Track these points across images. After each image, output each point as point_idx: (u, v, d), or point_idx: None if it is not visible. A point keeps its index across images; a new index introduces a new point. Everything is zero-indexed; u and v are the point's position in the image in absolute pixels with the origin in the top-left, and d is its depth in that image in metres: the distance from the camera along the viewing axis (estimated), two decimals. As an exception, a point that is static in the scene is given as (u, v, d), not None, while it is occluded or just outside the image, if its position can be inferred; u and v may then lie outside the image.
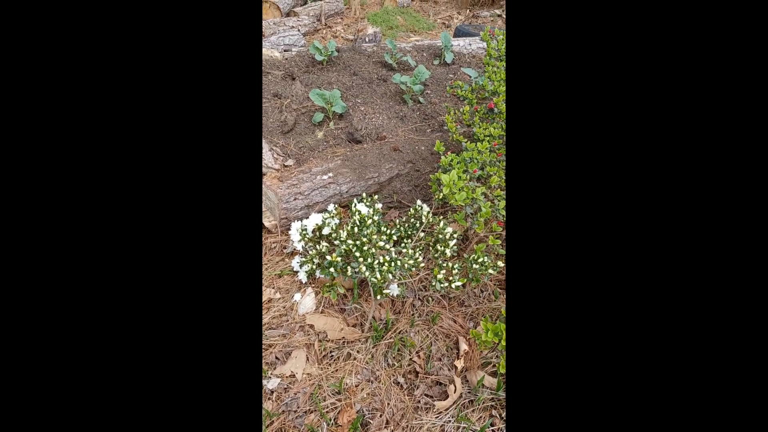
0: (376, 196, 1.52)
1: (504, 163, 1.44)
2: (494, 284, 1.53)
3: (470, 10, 5.50)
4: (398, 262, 1.09)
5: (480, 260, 1.18)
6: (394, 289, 1.38)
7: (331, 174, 1.78)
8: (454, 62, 2.81)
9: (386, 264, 1.07)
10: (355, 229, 1.12)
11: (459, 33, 3.87)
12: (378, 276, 1.09)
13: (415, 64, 2.69)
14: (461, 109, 1.64)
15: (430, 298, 1.45)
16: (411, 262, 1.11)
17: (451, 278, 1.17)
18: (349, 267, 1.12)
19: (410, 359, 1.27)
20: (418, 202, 1.45)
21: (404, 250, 1.16)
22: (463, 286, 1.48)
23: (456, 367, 1.25)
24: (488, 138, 1.56)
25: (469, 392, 1.20)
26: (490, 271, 1.18)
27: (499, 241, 1.20)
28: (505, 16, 5.16)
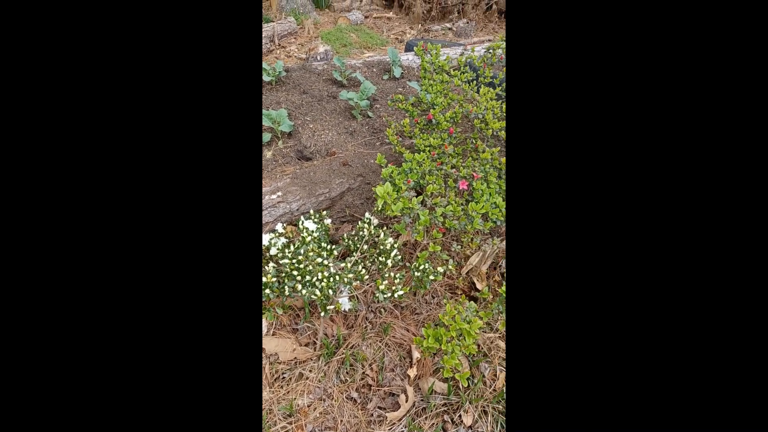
0: (325, 212, 1.53)
1: (442, 172, 1.48)
2: (444, 289, 1.55)
3: (422, 25, 5.68)
4: (338, 277, 1.10)
5: (422, 267, 1.20)
6: (345, 304, 1.37)
7: (280, 193, 1.78)
8: (402, 76, 2.88)
9: (325, 280, 1.08)
10: (293, 248, 1.12)
11: (410, 48, 3.98)
12: (318, 293, 1.09)
13: (364, 80, 2.74)
14: (402, 122, 1.69)
15: (382, 309, 1.46)
16: (351, 276, 1.12)
17: (394, 288, 1.18)
18: (285, 286, 1.12)
19: (363, 373, 1.27)
20: (367, 214, 1.47)
21: (343, 265, 1.16)
22: (414, 293, 1.50)
23: (409, 376, 1.26)
24: (429, 148, 1.60)
25: (422, 400, 1.21)
26: (431, 277, 1.20)
27: (439, 248, 1.22)
28: (455, 29, 5.35)
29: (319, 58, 3.37)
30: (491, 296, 1.53)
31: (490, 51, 1.79)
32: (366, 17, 5.97)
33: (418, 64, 3.18)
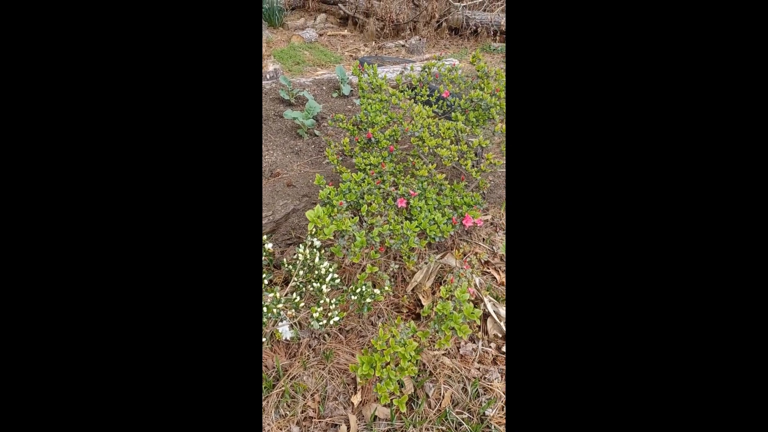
0: (265, 237, 1.48)
1: (380, 191, 1.48)
2: (391, 308, 1.53)
3: (376, 42, 5.78)
4: (265, 308, 1.05)
5: (358, 291, 1.18)
6: (286, 332, 1.32)
7: (219, 218, 1.71)
8: (351, 93, 2.89)
9: (252, 311, 1.03)
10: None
11: (362, 65, 4.03)
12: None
13: (311, 98, 2.73)
14: (342, 141, 1.68)
15: (327, 335, 1.42)
16: (280, 306, 1.07)
17: (329, 314, 1.15)
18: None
19: (304, 405, 1.22)
20: (308, 236, 1.44)
21: (272, 295, 1.12)
22: (359, 315, 1.47)
23: (352, 404, 1.22)
24: (369, 167, 1.60)
25: (365, 428, 1.17)
26: (368, 299, 1.18)
27: (376, 268, 1.21)
28: (407, 46, 5.48)
29: (268, 77, 3.34)
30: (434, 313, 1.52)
31: (426, 70, 1.82)
32: (321, 35, 6.01)
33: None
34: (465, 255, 1.59)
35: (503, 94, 1.69)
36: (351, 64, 4.96)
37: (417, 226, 1.37)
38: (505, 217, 2.13)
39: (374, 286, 1.46)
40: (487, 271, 1.79)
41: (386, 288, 1.16)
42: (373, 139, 1.66)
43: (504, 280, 1.74)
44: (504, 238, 1.98)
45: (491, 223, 2.09)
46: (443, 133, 1.57)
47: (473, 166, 1.66)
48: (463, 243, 1.91)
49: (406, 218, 1.46)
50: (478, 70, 1.75)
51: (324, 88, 2.97)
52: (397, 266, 1.37)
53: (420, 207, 1.44)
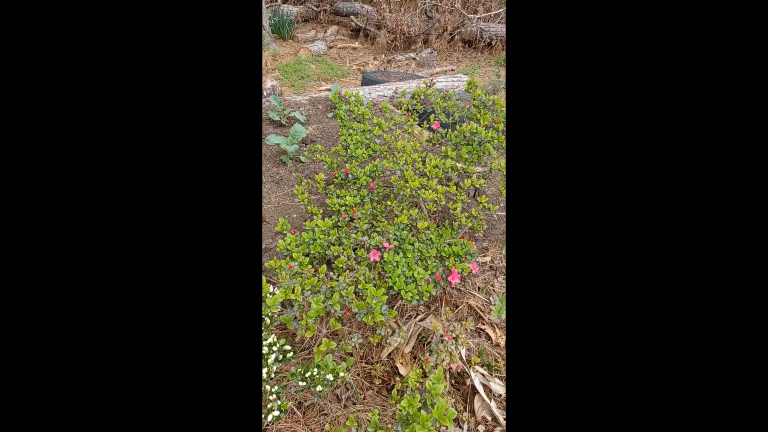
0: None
1: (350, 240, 1.27)
2: (362, 378, 1.31)
3: (386, 55, 5.62)
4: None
5: (308, 374, 0.96)
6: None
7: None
8: (349, 114, 2.71)
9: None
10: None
11: (366, 81, 3.85)
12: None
13: (304, 120, 2.55)
14: (316, 177, 1.48)
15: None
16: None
17: (270, 405, 0.94)
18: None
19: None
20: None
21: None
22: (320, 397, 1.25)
23: None
24: (343, 208, 1.39)
25: None
26: (319, 388, 0.96)
27: (334, 344, 0.99)
28: (418, 59, 5.30)
29: (265, 93, 3.19)
30: (418, 384, 1.29)
31: (415, 97, 1.61)
32: (330, 47, 5.90)
33: (369, 99, 3.02)
34: (449, 321, 1.36)
35: (502, 126, 1.46)
36: (358, 78, 4.80)
37: (390, 288, 1.15)
38: (505, 259, 1.88)
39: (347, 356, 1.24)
40: (482, 328, 1.54)
41: (341, 373, 0.94)
42: (350, 176, 1.45)
43: (500, 340, 1.50)
44: (504, 284, 1.74)
45: (490, 267, 1.84)
46: (429, 171, 1.35)
47: (464, 210, 1.43)
48: (454, 293, 1.67)
49: (380, 274, 1.25)
50: (474, 99, 1.53)
51: (320, 107, 2.80)
52: (361, 339, 1.15)
53: (396, 262, 1.22)
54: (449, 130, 1.54)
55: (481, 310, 1.61)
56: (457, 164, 1.71)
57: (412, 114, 1.61)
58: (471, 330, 1.52)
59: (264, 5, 5.47)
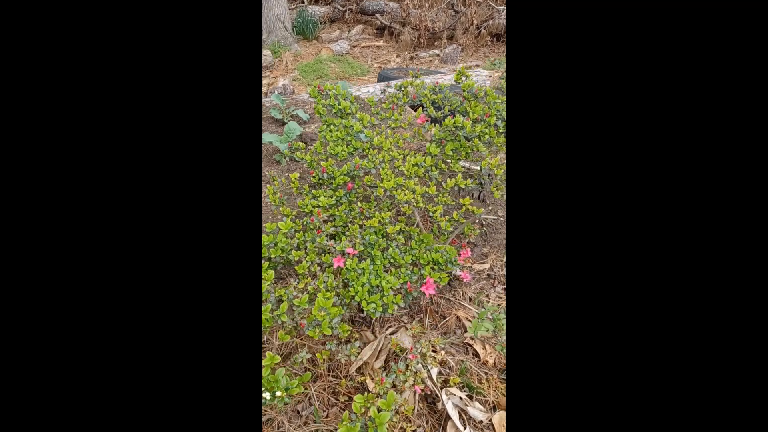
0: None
1: (315, 246, 1.17)
2: (327, 393, 1.21)
3: (409, 53, 5.49)
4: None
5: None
6: None
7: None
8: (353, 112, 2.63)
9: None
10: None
11: (382, 78, 3.75)
12: None
13: (307, 118, 2.50)
14: (291, 176, 1.40)
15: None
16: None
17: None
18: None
19: None
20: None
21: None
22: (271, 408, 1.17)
23: None
24: (317, 209, 1.30)
25: None
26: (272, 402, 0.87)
27: (278, 358, 0.90)
28: (442, 55, 5.13)
29: (277, 92, 3.18)
30: (364, 410, 1.17)
31: (401, 89, 1.49)
32: (354, 46, 5.86)
33: (380, 96, 2.92)
34: (417, 336, 1.23)
35: (494, 120, 1.32)
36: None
37: (350, 298, 1.05)
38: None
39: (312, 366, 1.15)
40: (469, 344, 1.40)
41: (282, 398, 0.85)
42: (326, 175, 1.36)
43: (489, 358, 1.35)
44: (504, 296, 1.58)
45: (488, 275, 1.69)
46: (408, 170, 1.23)
47: (446, 213, 1.29)
48: (443, 302, 1.54)
49: (344, 283, 1.14)
50: (464, 90, 1.39)
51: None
52: (309, 355, 1.05)
53: (362, 269, 1.11)
54: (437, 125, 1.41)
55: (471, 323, 1.47)
56: (460, 163, 1.57)
57: (397, 108, 1.49)
58: (456, 345, 1.38)
59: (289, 7, 5.52)
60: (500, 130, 1.35)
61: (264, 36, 5.04)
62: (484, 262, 1.74)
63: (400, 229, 1.20)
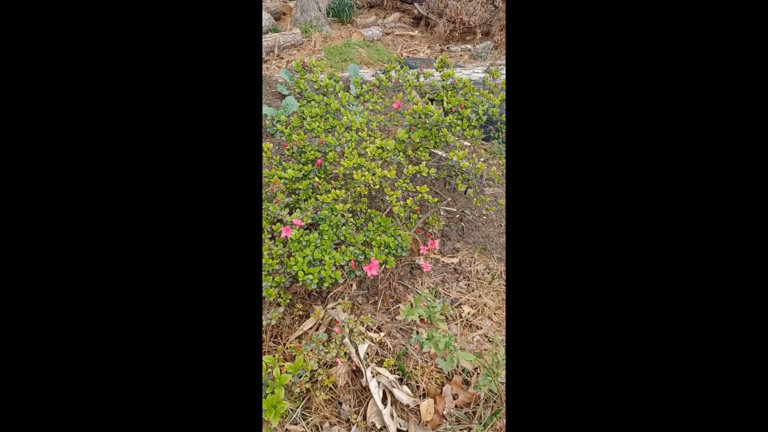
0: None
1: (266, 214, 1.21)
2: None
3: (441, 45, 5.41)
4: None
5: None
6: None
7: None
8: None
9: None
10: None
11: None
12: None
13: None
14: (264, 145, 1.44)
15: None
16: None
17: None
18: None
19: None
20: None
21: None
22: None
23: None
24: (282, 181, 1.34)
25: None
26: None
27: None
28: (473, 50, 5.03)
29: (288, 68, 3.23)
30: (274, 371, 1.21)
31: (385, 73, 1.50)
32: (387, 34, 5.83)
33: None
34: (346, 312, 1.25)
35: (468, 112, 1.31)
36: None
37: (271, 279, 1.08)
38: (477, 263, 1.71)
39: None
40: (419, 330, 1.41)
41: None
42: (296, 148, 1.39)
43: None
44: (467, 288, 1.58)
45: (455, 270, 1.68)
46: (371, 152, 1.24)
47: (402, 198, 1.30)
48: (401, 288, 1.55)
49: (289, 253, 1.18)
50: (444, 79, 1.38)
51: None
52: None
53: (308, 242, 1.15)
54: (406, 113, 1.41)
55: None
56: (439, 153, 1.57)
57: (378, 91, 1.50)
58: (403, 330, 1.40)
59: (326, -12, 5.55)
60: (473, 123, 1.33)
61: (297, 15, 5.10)
62: (454, 256, 1.74)
63: (351, 208, 1.22)
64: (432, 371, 1.27)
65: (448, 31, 5.57)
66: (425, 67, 4.02)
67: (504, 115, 1.39)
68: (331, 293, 1.46)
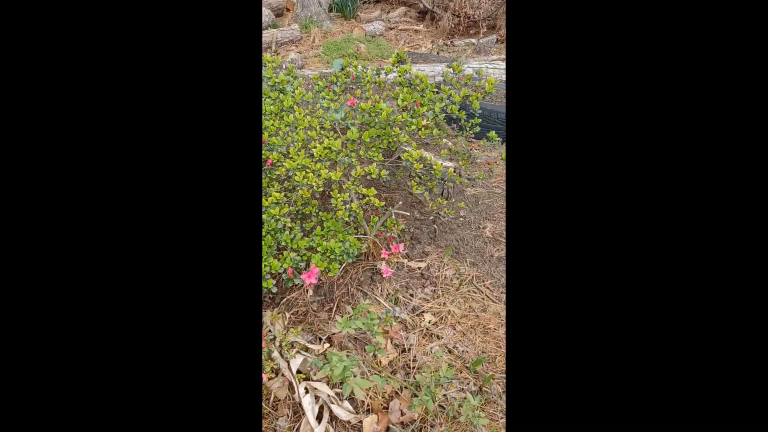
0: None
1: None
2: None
3: (443, 40, 5.28)
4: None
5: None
6: None
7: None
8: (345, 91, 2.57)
9: None
10: None
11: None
12: None
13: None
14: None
15: None
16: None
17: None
18: None
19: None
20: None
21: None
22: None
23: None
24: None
25: None
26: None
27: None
28: (477, 45, 4.88)
29: (284, 66, 3.19)
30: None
31: (343, 69, 1.42)
32: (391, 29, 5.73)
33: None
34: (272, 324, 1.18)
35: (424, 110, 1.22)
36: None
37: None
38: (446, 267, 1.62)
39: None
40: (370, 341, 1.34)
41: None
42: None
43: (385, 359, 1.28)
44: (433, 294, 1.50)
45: (422, 275, 1.60)
46: (317, 153, 1.17)
47: (348, 202, 1.22)
48: (359, 294, 1.48)
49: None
50: (400, 75, 1.30)
51: (320, 83, 2.70)
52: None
53: (243, 246, 1.09)
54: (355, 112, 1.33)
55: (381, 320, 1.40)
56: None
57: (337, 86, 1.43)
58: (355, 340, 1.33)
59: (329, -17, 5.48)
60: (428, 122, 1.25)
61: (298, 11, 5.05)
62: (422, 261, 1.65)
63: (299, 210, 1.16)
64: (375, 386, 1.20)
65: (452, 25, 5.43)
66: (422, 62, 3.90)
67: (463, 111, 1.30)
68: (285, 299, 1.40)
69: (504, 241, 1.80)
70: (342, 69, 1.45)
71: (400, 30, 5.75)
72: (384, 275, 1.45)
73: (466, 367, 1.27)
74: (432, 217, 1.85)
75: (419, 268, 1.61)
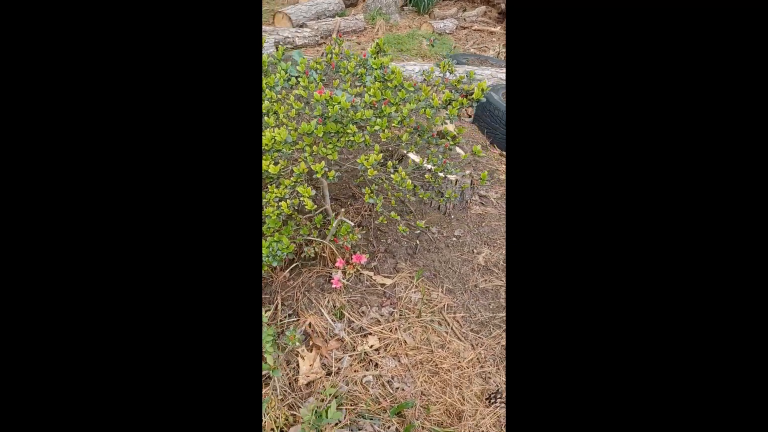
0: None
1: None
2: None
3: (516, 43, 4.90)
4: None
5: None
6: None
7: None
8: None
9: None
10: None
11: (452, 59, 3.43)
12: None
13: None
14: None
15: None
16: None
17: None
18: None
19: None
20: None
21: None
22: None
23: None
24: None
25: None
26: None
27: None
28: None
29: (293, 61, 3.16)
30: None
31: (326, 55, 1.30)
32: (463, 28, 5.48)
33: (420, 77, 2.67)
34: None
35: (390, 110, 1.07)
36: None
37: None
38: (413, 290, 1.46)
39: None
40: (297, 353, 1.23)
41: None
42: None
43: (308, 377, 1.16)
44: (389, 317, 1.34)
45: (385, 293, 1.45)
46: (266, 144, 1.08)
47: (284, 199, 1.10)
48: (304, 300, 1.37)
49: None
50: (375, 68, 1.15)
51: (299, 68, 2.61)
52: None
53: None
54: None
55: (319, 334, 1.28)
56: (411, 155, 1.35)
57: (316, 74, 1.32)
58: (291, 353, 1.22)
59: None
60: (394, 123, 1.09)
61: (369, 1, 5.02)
62: (390, 277, 1.49)
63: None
64: (281, 401, 1.08)
65: (530, 29, 5.02)
66: (478, 64, 3.64)
67: (438, 117, 1.11)
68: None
69: (497, 273, 1.57)
70: (324, 55, 1.34)
71: (474, 30, 5.46)
72: (333, 285, 1.33)
73: (386, 410, 1.10)
74: (418, 232, 1.67)
75: (383, 285, 1.46)
